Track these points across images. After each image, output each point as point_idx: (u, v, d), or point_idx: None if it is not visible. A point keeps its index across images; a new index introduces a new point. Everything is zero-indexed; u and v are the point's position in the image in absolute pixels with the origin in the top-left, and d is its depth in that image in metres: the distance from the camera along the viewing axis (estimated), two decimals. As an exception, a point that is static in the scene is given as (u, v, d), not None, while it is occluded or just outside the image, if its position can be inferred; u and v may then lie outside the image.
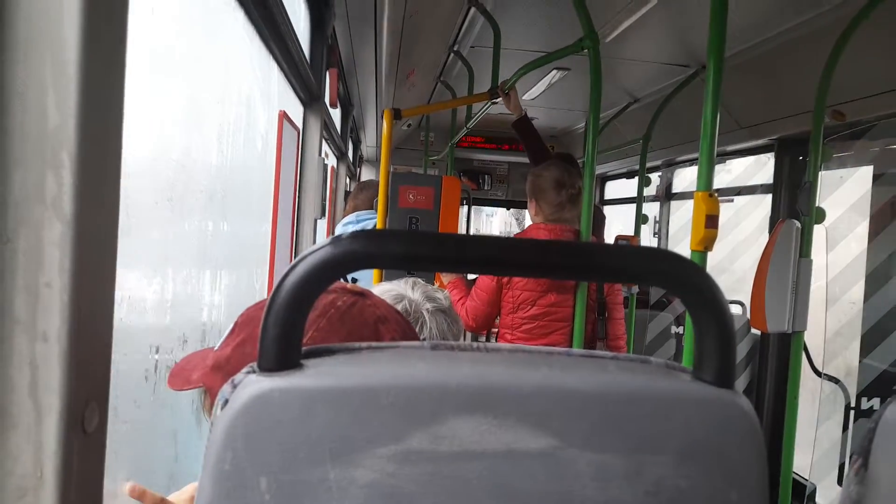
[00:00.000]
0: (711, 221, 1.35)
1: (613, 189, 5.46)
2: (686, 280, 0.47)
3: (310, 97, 2.29)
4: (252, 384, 0.44)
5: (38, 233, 0.44)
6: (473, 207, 7.42)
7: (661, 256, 0.47)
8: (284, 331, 0.45)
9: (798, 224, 2.10)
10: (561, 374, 0.47)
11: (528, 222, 2.65)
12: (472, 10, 2.50)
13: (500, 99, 2.53)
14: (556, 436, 0.45)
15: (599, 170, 5.05)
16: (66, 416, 0.46)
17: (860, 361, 2.65)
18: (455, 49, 3.09)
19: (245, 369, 0.46)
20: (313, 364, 0.46)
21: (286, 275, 0.45)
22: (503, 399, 0.45)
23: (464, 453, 0.43)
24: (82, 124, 0.44)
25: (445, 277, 2.49)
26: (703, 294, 0.47)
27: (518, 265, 0.48)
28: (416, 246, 0.45)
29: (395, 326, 0.71)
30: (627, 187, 4.90)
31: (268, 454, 0.42)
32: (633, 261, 0.47)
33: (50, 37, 0.43)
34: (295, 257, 2.38)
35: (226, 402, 0.44)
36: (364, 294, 0.72)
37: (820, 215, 2.10)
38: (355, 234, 0.46)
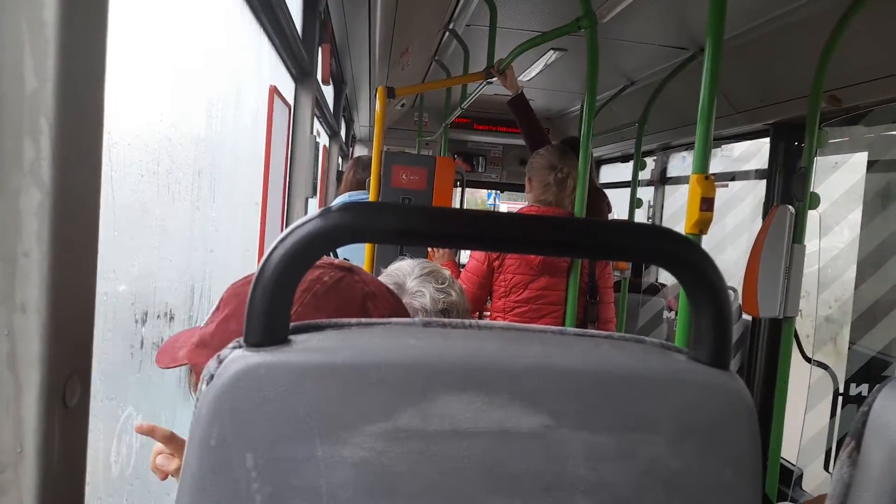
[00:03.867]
0: (707, 204, 1.34)
1: (608, 173, 5.45)
2: (684, 258, 0.46)
3: (301, 73, 2.25)
4: (238, 359, 0.42)
5: (15, 200, 0.42)
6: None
7: (659, 233, 0.46)
8: (272, 305, 0.44)
9: (792, 209, 2.09)
10: (554, 353, 0.46)
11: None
12: (469, -13, 2.46)
13: (496, 79, 2.50)
14: (548, 414, 0.44)
15: (595, 153, 5.03)
16: (47, 389, 0.45)
17: (849, 347, 2.67)
18: (450, 28, 3.05)
19: (231, 344, 0.45)
20: (301, 339, 0.45)
21: (274, 248, 0.44)
22: (495, 377, 0.44)
23: (455, 432, 0.42)
24: (61, 89, 0.42)
25: (437, 259, 2.48)
26: (701, 273, 0.46)
27: (511, 240, 0.47)
28: (407, 219, 0.44)
29: (384, 303, 0.70)
30: (622, 171, 4.89)
31: (254, 430, 0.41)
32: (629, 237, 0.46)
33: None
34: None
35: (211, 377, 0.43)
36: (352, 270, 0.71)
37: (814, 201, 2.10)
38: (345, 206, 0.44)
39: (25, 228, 0.43)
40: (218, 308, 0.66)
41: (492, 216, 0.45)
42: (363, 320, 0.49)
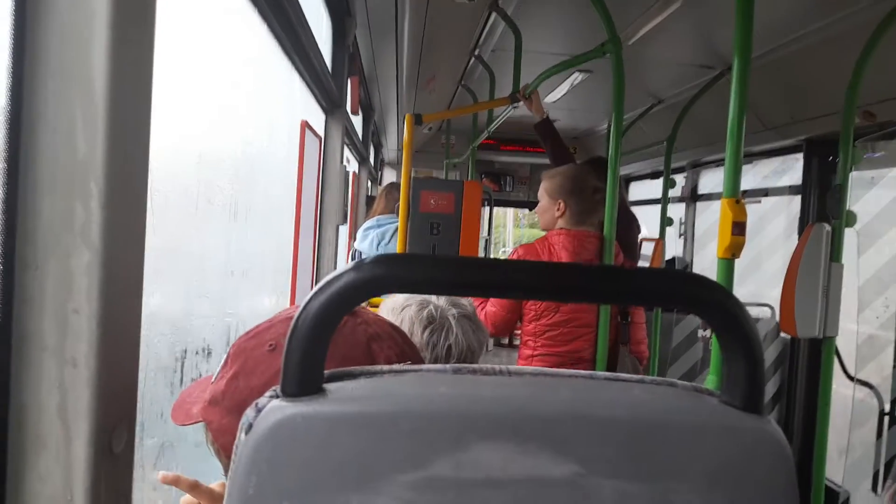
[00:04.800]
0: (738, 228, 1.33)
1: (638, 190, 5.40)
2: (712, 303, 0.46)
3: (331, 105, 2.30)
4: (276, 410, 0.44)
5: (66, 260, 0.45)
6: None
7: (688, 280, 0.46)
8: (307, 356, 0.45)
9: (828, 227, 2.05)
10: (585, 399, 0.46)
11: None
12: (493, 14, 2.49)
13: (522, 102, 2.52)
14: (579, 462, 0.44)
15: (623, 171, 5.00)
16: (95, 438, 0.47)
17: (894, 367, 2.59)
18: (476, 53, 3.09)
19: (269, 393, 0.47)
20: (335, 389, 0.46)
21: (309, 300, 0.45)
22: (526, 424, 0.44)
23: (487, 480, 0.43)
24: (110, 155, 0.45)
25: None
26: (731, 318, 0.46)
27: (540, 289, 0.47)
28: (438, 270, 0.45)
29: (390, 343, 0.69)
30: (653, 188, 4.84)
31: (291, 480, 0.42)
32: (659, 284, 0.46)
33: (80, 70, 0.44)
34: (317, 264, 2.38)
35: (250, 426, 0.44)
36: (354, 313, 0.71)
37: (851, 219, 2.05)
38: (378, 259, 0.46)
39: (76, 287, 0.45)
40: (226, 363, 0.67)
41: (517, 266, 0.46)
42: (395, 367, 0.50)
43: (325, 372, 0.47)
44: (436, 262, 0.45)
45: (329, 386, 0.46)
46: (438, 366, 0.51)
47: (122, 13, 0.48)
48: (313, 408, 0.43)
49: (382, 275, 0.45)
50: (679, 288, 0.46)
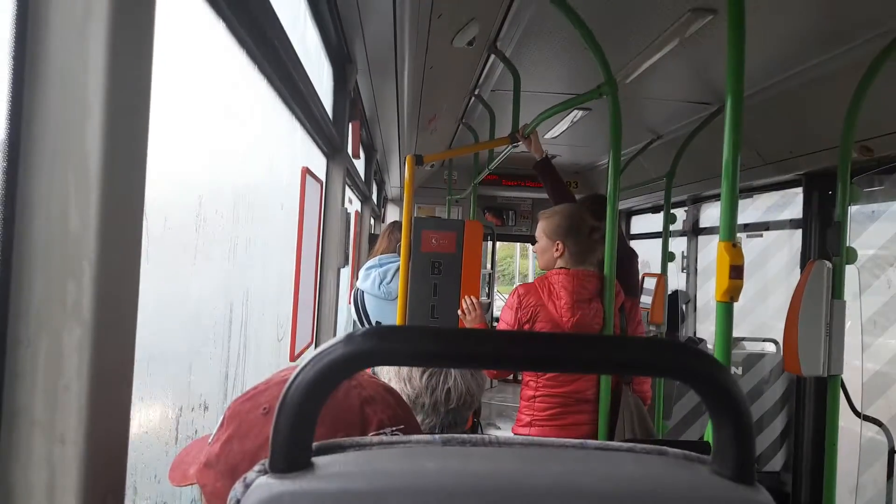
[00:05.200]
0: (736, 272, 1.33)
1: (640, 224, 5.42)
2: (701, 374, 0.46)
3: (332, 150, 2.33)
4: (263, 487, 0.44)
5: (57, 337, 0.45)
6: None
7: (677, 350, 0.47)
8: (295, 431, 0.45)
9: (829, 264, 2.04)
10: (574, 472, 0.46)
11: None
12: (492, 57, 2.54)
13: (521, 142, 2.55)
14: (569, 538, 0.44)
15: (624, 205, 5.02)
16: (83, 513, 0.47)
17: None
18: (476, 93, 3.13)
19: (256, 467, 0.47)
20: (323, 464, 0.46)
21: (297, 375, 0.46)
22: (514, 500, 0.44)
23: (476, 558, 0.43)
24: (102, 233, 0.45)
25: (468, 322, 2.47)
26: (720, 388, 0.46)
27: (525, 360, 0.47)
28: (425, 343, 0.46)
29: (383, 406, 0.69)
30: (654, 222, 4.86)
31: None
32: (646, 354, 0.47)
33: (73, 149, 0.45)
34: (317, 310, 2.37)
35: (237, 502, 0.44)
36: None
37: (851, 255, 2.05)
38: (367, 333, 0.46)
39: (66, 364, 0.46)
40: (222, 425, 0.67)
41: (507, 336, 0.47)
42: (384, 440, 0.50)
43: (315, 444, 0.47)
44: (422, 334, 0.46)
45: (318, 460, 0.46)
46: (427, 437, 0.51)
47: (117, 86, 0.49)
48: (300, 485, 0.43)
49: (371, 349, 0.45)
50: (667, 358, 0.46)
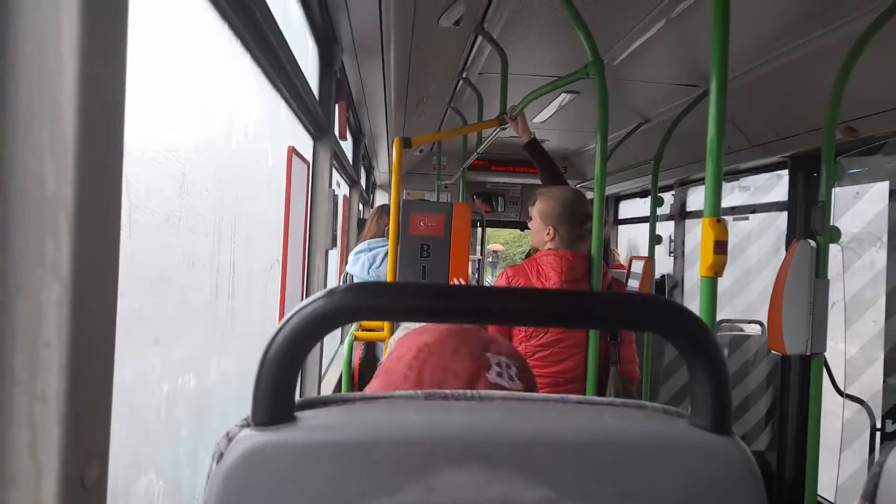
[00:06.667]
0: (720, 247, 1.33)
1: (627, 209, 5.44)
2: (679, 327, 0.47)
3: (319, 131, 2.32)
4: (246, 439, 0.44)
5: (36, 295, 0.45)
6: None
7: (654, 304, 0.47)
8: (278, 384, 0.45)
9: (813, 244, 2.07)
10: (555, 423, 0.47)
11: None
12: (480, 38, 2.53)
13: (509, 124, 2.54)
14: (550, 486, 0.44)
15: (612, 190, 5.03)
16: (66, 473, 0.47)
17: (884, 381, 2.60)
18: (464, 76, 3.12)
19: (239, 422, 0.47)
20: (306, 417, 0.46)
21: (279, 329, 0.46)
22: (497, 449, 0.44)
23: (458, 506, 0.43)
24: (79, 190, 0.45)
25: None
26: (696, 341, 0.46)
27: (511, 315, 0.48)
28: (405, 298, 0.46)
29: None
30: (642, 206, 4.88)
31: None
32: (626, 308, 0.47)
33: (48, 106, 0.45)
34: (306, 290, 2.37)
35: (220, 455, 0.45)
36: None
37: (835, 234, 2.07)
38: (349, 288, 0.46)
39: (46, 321, 0.46)
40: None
41: (486, 291, 0.47)
42: (367, 394, 0.50)
43: (298, 399, 0.48)
44: (403, 289, 0.46)
45: (301, 414, 0.46)
46: (410, 392, 0.51)
47: (92, 43, 0.49)
48: (283, 437, 0.43)
49: (352, 303, 0.45)
50: (644, 311, 0.47)
